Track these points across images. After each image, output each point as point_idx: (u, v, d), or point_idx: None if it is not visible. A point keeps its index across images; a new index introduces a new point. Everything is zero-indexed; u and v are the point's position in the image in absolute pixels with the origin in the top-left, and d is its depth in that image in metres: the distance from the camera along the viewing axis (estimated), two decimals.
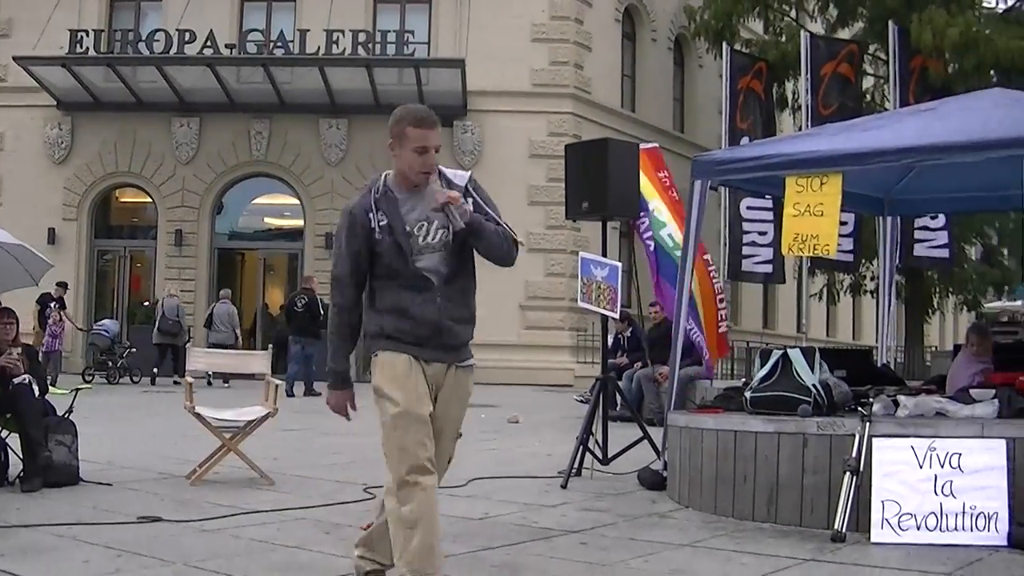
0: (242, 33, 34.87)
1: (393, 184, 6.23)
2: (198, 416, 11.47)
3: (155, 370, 29.19)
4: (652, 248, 17.08)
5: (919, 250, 18.94)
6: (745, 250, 21.55)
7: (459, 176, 6.37)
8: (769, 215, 20.56)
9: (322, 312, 26.92)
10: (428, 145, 6.10)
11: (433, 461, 6.09)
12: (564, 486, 11.20)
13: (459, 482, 11.32)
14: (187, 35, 32.57)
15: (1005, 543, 8.22)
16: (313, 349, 26.59)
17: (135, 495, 10.44)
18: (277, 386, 12.05)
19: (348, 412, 6.55)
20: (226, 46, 33.35)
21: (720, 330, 17.78)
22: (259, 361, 13.83)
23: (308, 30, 32.70)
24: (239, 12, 36.28)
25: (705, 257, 17.03)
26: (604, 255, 12.68)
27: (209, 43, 32.57)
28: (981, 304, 39.85)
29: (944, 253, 19.40)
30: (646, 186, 15.23)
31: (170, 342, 30.02)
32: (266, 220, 37.37)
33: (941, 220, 18.78)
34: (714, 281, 17.74)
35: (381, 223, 6.11)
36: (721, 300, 17.81)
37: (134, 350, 29.72)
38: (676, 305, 11.73)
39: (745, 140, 21.96)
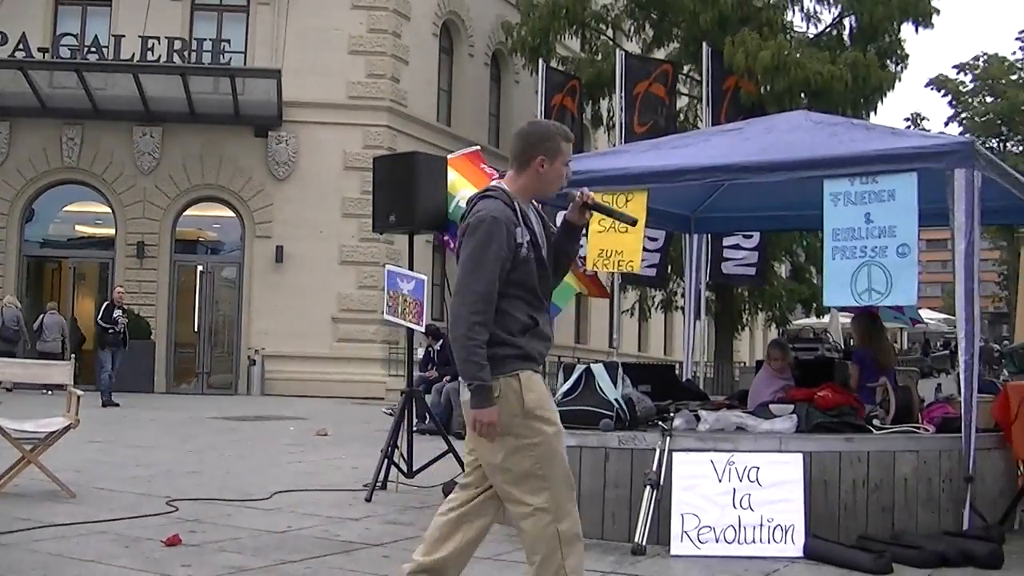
0: (56, 37, 34.06)
1: (516, 199, 5.98)
2: None
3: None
4: None
5: (727, 267, 19.19)
6: None
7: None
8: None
9: (106, 322, 26.51)
10: (571, 158, 6.16)
11: None
12: (368, 499, 11.19)
13: (263, 495, 11.27)
14: None
15: (801, 554, 8.40)
16: (100, 359, 26.31)
17: None
18: (79, 397, 11.83)
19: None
20: (39, 49, 32.55)
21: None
22: (60, 371, 13.53)
23: (123, 36, 32.02)
24: (53, 16, 35.47)
25: None
26: (411, 268, 12.68)
27: (21, 46, 31.76)
28: (789, 321, 40.61)
29: (751, 271, 19.69)
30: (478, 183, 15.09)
31: (10, 350, 29.42)
32: (77, 228, 36.55)
33: (755, 239, 19.07)
34: None
35: (526, 237, 5.85)
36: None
37: None
38: None
39: None
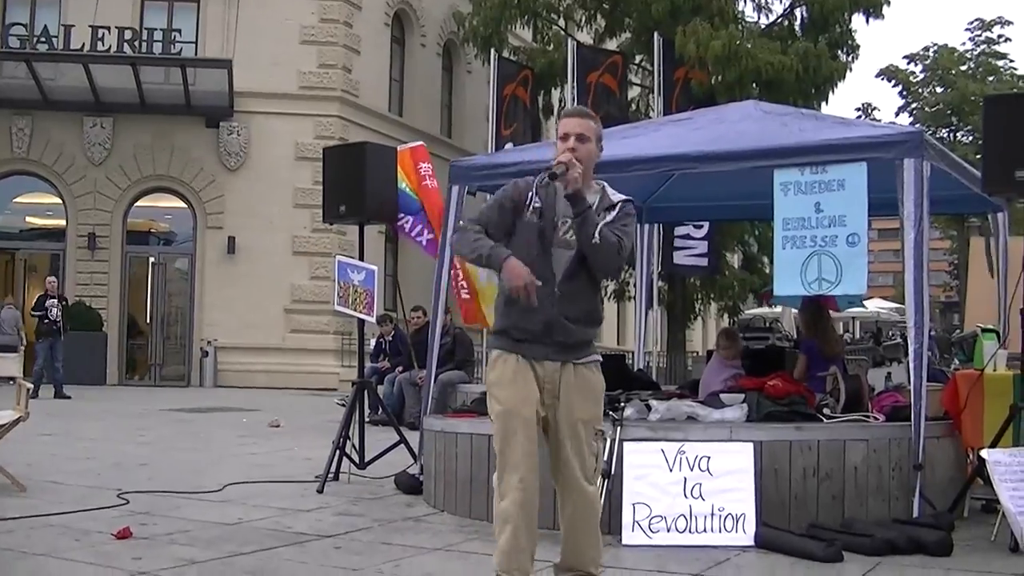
0: (5, 27, 33.82)
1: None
2: None
3: None
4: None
5: (679, 258, 19.22)
6: None
7: (616, 195, 6.44)
8: None
9: (35, 312, 26.45)
10: (568, 131, 6.40)
11: (534, 462, 6.21)
12: (320, 491, 11.16)
13: (214, 487, 11.21)
14: None
15: (752, 543, 8.40)
16: (36, 350, 26.19)
17: None
18: (28, 389, 11.74)
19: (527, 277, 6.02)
20: None
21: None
22: (10, 364, 13.43)
23: (73, 26, 31.89)
24: (1, 5, 35.18)
25: None
26: (362, 259, 12.66)
27: None
28: (741, 310, 40.70)
29: (704, 262, 19.73)
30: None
31: None
32: (28, 219, 36.34)
33: (705, 229, 19.09)
34: None
35: (536, 204, 6.27)
36: None
37: None
38: (433, 308, 11.71)
39: (509, 146, 22.10)
